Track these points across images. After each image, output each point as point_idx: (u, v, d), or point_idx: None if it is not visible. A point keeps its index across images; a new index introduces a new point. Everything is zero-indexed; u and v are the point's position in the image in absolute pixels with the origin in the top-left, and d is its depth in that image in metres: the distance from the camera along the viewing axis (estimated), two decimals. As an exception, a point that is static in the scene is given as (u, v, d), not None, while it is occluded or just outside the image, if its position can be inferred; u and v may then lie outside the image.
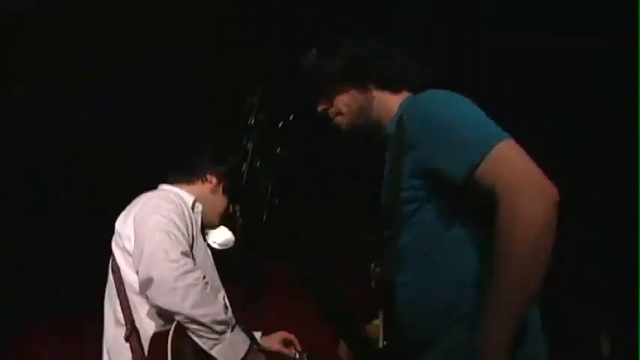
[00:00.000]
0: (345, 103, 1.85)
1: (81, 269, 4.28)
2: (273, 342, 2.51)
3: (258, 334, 2.47)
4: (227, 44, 3.39)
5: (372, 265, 1.77)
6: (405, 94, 1.82)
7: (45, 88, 3.51)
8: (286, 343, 2.54)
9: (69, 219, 4.16)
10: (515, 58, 3.44)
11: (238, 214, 2.65)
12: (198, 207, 2.47)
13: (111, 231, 2.36)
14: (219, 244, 2.71)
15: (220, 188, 2.55)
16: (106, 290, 2.38)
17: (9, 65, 3.41)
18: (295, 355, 2.48)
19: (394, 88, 1.83)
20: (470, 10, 3.27)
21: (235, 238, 2.62)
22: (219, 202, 2.54)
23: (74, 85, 3.50)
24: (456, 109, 1.61)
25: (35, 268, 4.29)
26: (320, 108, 1.90)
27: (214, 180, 2.54)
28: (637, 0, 2.51)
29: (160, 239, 2.15)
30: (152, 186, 2.57)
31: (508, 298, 1.39)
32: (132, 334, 2.16)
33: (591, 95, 3.43)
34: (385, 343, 1.66)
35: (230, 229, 2.65)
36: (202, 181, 2.53)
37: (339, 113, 1.87)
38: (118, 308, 2.25)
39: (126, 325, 2.19)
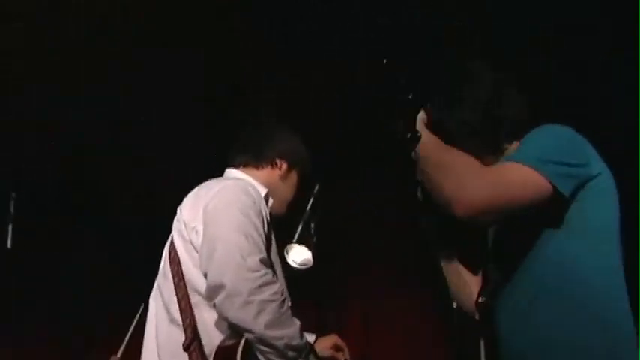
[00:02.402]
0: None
1: (81, 269, 4.29)
2: (325, 345, 2.31)
3: (312, 337, 2.25)
4: (227, 40, 3.38)
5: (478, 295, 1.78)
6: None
7: (45, 88, 3.51)
8: (337, 347, 2.35)
9: (69, 219, 4.16)
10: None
11: (313, 231, 2.51)
12: (270, 201, 2.19)
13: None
14: (299, 264, 2.52)
15: (291, 175, 2.28)
16: (158, 280, 2.12)
17: (9, 65, 3.41)
18: None
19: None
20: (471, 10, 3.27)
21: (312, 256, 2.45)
22: (289, 191, 2.28)
23: (74, 85, 3.50)
24: (555, 135, 1.69)
25: (35, 268, 4.29)
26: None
27: (284, 165, 2.26)
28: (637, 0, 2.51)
29: (237, 241, 1.87)
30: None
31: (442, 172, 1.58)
32: (193, 343, 1.88)
33: (591, 95, 3.43)
34: None
35: (307, 246, 2.48)
36: (272, 166, 2.25)
37: None
38: (174, 307, 1.97)
39: (185, 330, 1.91)
